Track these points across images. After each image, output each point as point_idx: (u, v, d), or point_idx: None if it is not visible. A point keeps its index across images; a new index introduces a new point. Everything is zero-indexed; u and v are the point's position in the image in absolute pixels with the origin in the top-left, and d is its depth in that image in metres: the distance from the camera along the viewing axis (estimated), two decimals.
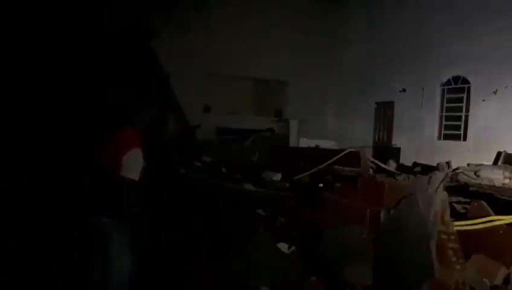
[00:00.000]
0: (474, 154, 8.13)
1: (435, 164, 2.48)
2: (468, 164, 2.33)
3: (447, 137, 9.95)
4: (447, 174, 2.35)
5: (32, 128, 4.96)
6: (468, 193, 2.65)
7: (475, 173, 2.27)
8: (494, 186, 2.33)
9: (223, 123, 11.83)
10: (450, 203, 2.94)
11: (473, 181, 2.30)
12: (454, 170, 2.34)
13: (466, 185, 2.38)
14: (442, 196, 2.33)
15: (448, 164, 2.35)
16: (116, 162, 2.92)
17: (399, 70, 10.82)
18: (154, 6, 7.09)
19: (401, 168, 9.04)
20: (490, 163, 7.70)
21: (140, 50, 6.61)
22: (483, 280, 2.45)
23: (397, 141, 11.08)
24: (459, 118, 9.66)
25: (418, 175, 2.49)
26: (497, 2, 8.48)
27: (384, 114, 11.74)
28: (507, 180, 2.29)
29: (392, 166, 9.85)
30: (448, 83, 9.91)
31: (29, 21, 5.67)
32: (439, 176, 2.36)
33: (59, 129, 5.42)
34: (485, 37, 8.63)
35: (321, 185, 6.14)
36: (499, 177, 2.30)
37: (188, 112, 10.74)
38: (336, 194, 3.20)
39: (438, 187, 2.32)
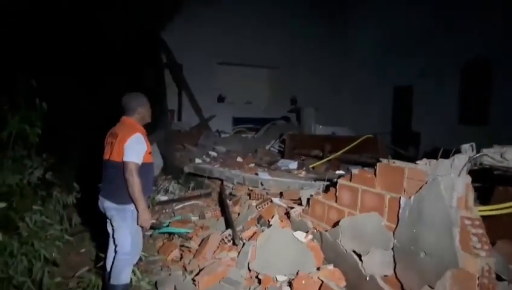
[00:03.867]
0: (496, 137, 7.87)
1: (455, 149, 2.35)
2: (493, 146, 2.20)
3: (468, 121, 9.66)
4: (470, 157, 2.23)
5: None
6: (493, 177, 2.52)
7: (501, 156, 2.14)
8: None
9: (238, 113, 11.78)
10: (474, 187, 2.83)
11: (498, 164, 2.18)
12: (478, 152, 2.22)
13: (491, 169, 2.26)
14: (465, 180, 2.21)
15: (472, 146, 2.23)
16: (119, 149, 3.03)
17: (416, 54, 10.52)
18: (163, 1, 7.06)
19: (422, 153, 8.87)
20: None
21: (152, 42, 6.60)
22: (509, 266, 2.35)
23: (417, 126, 10.83)
24: (479, 101, 9.36)
25: (440, 159, 2.36)
26: None
27: (403, 99, 11.47)
28: None
29: (412, 152, 9.67)
30: (467, 65, 9.59)
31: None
32: (462, 159, 2.24)
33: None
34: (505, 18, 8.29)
35: (339, 172, 6.05)
36: None
37: (202, 102, 10.73)
38: (354, 181, 3.11)
39: (460, 171, 2.20)
